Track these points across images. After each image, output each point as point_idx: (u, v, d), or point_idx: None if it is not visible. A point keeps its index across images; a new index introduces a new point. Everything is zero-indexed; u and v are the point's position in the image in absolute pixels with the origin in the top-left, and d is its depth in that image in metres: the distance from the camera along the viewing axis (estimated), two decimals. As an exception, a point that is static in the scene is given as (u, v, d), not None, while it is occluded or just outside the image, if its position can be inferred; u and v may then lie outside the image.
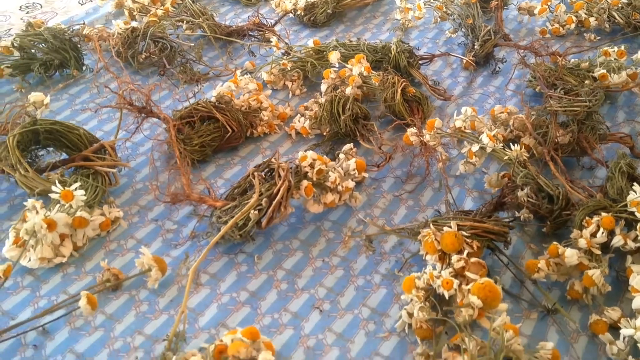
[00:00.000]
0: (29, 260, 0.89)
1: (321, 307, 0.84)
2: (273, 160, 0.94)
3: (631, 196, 0.86)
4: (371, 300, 0.85)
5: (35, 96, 1.10)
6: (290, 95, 1.29)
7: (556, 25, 1.47)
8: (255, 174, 0.91)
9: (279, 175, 0.91)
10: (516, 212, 0.93)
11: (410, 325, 0.80)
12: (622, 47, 1.26)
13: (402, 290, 0.84)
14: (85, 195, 0.93)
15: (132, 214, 1.00)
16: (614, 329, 0.79)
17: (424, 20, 1.56)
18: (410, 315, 0.79)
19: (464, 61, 1.36)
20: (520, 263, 0.89)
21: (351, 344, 0.79)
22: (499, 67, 1.35)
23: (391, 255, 0.92)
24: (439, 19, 1.52)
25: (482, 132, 1.01)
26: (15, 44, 1.32)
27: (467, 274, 0.75)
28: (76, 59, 1.33)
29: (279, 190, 0.89)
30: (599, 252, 0.83)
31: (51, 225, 0.89)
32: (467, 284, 0.77)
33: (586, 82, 1.13)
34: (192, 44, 1.40)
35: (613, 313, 0.79)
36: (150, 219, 0.99)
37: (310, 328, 0.81)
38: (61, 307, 0.82)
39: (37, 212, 0.88)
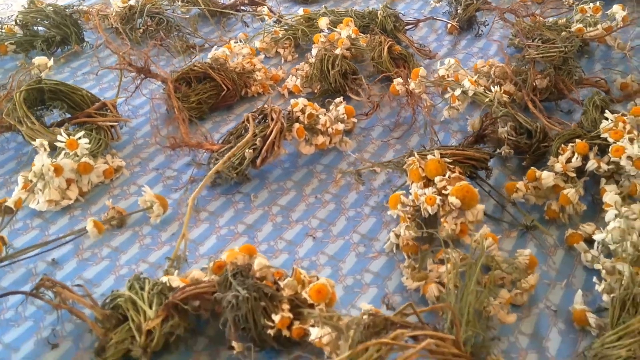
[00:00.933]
0: (38, 202, 0.94)
1: (314, 235, 0.89)
2: (266, 106, 1.00)
3: (604, 124, 0.91)
4: (361, 227, 0.90)
5: (39, 59, 1.16)
6: (283, 61, 1.35)
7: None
8: (249, 115, 0.96)
9: (272, 119, 0.96)
10: (497, 149, 0.99)
11: (397, 246, 0.85)
12: (598, 4, 1.32)
13: (390, 218, 0.89)
14: (89, 144, 0.98)
15: (133, 164, 1.05)
16: (589, 242, 0.83)
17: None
18: (398, 236, 0.84)
19: (449, 26, 1.42)
20: (502, 192, 0.94)
21: (342, 264, 0.84)
22: (481, 30, 1.41)
23: (380, 190, 0.97)
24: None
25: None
26: (18, 22, 1.38)
27: (448, 186, 0.80)
28: (77, 34, 1.39)
29: (272, 130, 0.95)
30: (574, 174, 0.89)
31: (58, 170, 0.94)
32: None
33: (562, 34, 1.19)
34: (187, 17, 1.47)
35: (588, 227, 0.84)
36: (151, 168, 1.04)
37: (304, 252, 0.87)
38: (69, 238, 0.87)
39: (45, 149, 0.94)
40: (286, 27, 1.38)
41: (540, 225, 0.86)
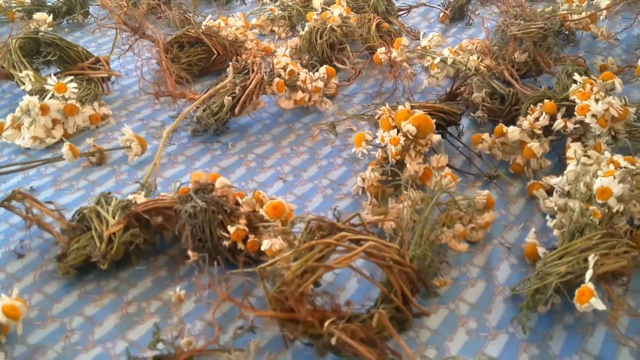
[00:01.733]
0: (23, 139, 0.98)
1: (285, 178, 0.92)
2: (248, 60, 1.03)
3: (573, 87, 0.93)
4: (331, 174, 0.93)
5: (39, 15, 1.21)
6: (277, 38, 1.39)
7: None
8: (231, 63, 1.00)
9: (253, 70, 1.00)
10: (472, 113, 1.01)
11: (363, 189, 0.87)
12: (584, -6, 1.35)
13: (362, 167, 0.92)
14: (77, 89, 1.02)
15: (120, 115, 1.09)
16: (550, 194, 0.85)
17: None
18: (364, 179, 0.86)
19: (441, 14, 1.46)
20: (472, 149, 0.96)
21: (309, 203, 0.87)
22: (472, 20, 1.44)
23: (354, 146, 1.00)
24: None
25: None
26: (26, -10, 1.44)
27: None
28: (82, 5, 1.45)
29: (252, 80, 0.98)
30: (540, 132, 0.91)
31: (44, 109, 0.98)
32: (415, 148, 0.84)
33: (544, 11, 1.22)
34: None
35: (549, 179, 0.86)
36: (137, 119, 1.08)
37: (273, 192, 0.89)
38: (45, 160, 0.91)
39: (30, 79, 0.98)
40: (282, 7, 1.43)
41: (503, 175, 0.88)
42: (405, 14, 1.46)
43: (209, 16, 1.37)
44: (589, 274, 0.59)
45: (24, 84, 1.05)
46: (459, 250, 0.74)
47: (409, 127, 0.78)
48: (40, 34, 1.11)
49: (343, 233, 0.62)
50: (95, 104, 1.06)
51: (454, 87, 0.97)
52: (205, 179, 0.75)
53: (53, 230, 0.76)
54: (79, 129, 1.03)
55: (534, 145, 0.87)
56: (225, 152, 0.98)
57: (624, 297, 0.66)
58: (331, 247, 0.61)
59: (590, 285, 0.58)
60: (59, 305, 0.70)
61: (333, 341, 0.58)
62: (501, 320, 0.67)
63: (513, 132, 0.89)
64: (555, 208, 0.76)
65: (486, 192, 0.79)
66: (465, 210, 0.77)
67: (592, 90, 0.91)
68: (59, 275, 0.73)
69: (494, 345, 0.64)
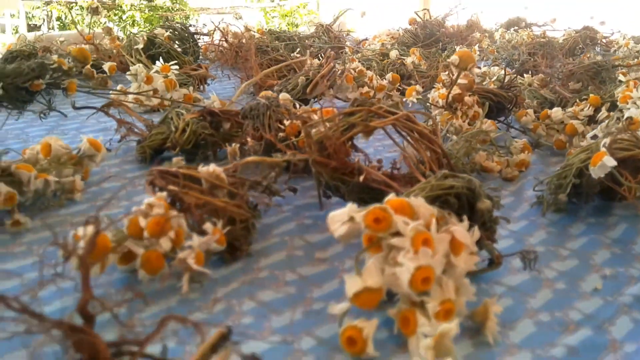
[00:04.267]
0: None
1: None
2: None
3: (619, 88, 1.01)
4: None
5: (159, 30, 1.45)
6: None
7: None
8: (330, 52, 1.15)
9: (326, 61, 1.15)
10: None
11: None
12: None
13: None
14: (177, 72, 1.21)
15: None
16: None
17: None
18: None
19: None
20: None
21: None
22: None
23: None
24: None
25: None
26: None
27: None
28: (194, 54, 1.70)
29: (325, 67, 1.13)
30: (583, 119, 0.97)
31: (149, 78, 1.16)
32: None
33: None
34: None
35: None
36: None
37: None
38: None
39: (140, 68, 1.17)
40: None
41: (544, 142, 0.94)
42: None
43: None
44: (603, 141, 0.64)
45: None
46: (489, 168, 0.79)
47: (452, 57, 0.88)
48: (157, 37, 1.34)
49: (380, 105, 0.71)
50: (191, 88, 1.24)
51: (505, 79, 1.06)
52: (271, 95, 0.87)
53: (140, 130, 0.89)
54: (173, 104, 1.20)
55: (576, 122, 0.93)
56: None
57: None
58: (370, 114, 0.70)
59: (604, 149, 0.63)
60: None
61: (361, 178, 0.64)
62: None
63: (557, 112, 0.96)
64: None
65: (523, 140, 0.85)
66: (500, 152, 0.83)
67: (635, 86, 0.98)
68: (136, 156, 0.84)
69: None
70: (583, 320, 0.48)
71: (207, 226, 0.53)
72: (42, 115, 0.93)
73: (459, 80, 0.90)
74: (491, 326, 0.45)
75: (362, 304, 0.44)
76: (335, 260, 0.58)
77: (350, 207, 0.46)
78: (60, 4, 4.79)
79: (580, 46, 1.79)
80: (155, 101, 1.16)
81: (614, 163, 0.61)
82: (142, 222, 0.51)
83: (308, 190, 0.75)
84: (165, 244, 0.50)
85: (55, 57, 0.90)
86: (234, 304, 0.50)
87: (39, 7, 5.24)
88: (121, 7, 4.84)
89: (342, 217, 0.46)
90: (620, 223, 0.68)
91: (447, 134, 0.89)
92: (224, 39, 1.73)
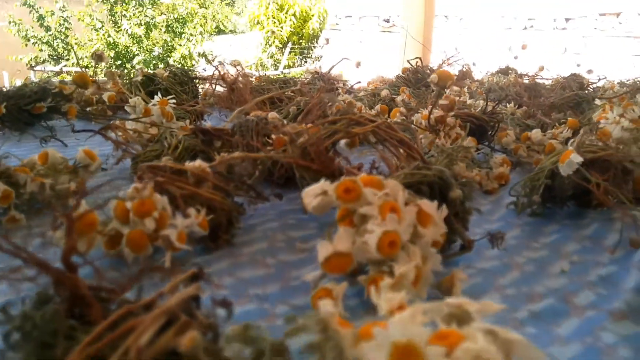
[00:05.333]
0: (125, 130, 1.19)
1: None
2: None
3: (596, 113, 1.05)
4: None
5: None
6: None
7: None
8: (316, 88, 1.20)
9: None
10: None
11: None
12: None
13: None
14: (175, 106, 1.26)
15: (205, 137, 1.30)
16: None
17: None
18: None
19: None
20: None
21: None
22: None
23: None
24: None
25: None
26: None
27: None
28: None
29: (316, 96, 1.17)
30: (562, 140, 1.01)
31: (147, 110, 1.21)
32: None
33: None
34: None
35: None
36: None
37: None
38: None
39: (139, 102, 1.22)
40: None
41: (524, 161, 0.97)
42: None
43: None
44: (570, 141, 0.67)
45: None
46: (467, 176, 0.82)
47: (432, 76, 0.92)
48: (158, 76, 1.40)
49: (362, 114, 0.75)
50: (187, 121, 1.28)
51: (486, 107, 1.11)
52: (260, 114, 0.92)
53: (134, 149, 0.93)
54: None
55: (555, 142, 0.97)
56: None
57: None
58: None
59: (571, 148, 0.66)
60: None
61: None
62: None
63: (536, 133, 1.00)
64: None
65: (503, 156, 0.89)
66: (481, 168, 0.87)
67: (611, 109, 1.02)
68: (130, 173, 0.88)
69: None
70: (548, 293, 0.50)
71: (191, 211, 0.55)
72: (43, 141, 0.97)
73: (440, 101, 0.94)
74: (456, 292, 0.47)
75: (333, 269, 0.46)
76: (315, 251, 0.61)
77: (323, 182, 0.49)
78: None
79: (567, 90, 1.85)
80: (153, 131, 1.21)
81: (580, 159, 0.65)
82: (128, 204, 0.54)
83: (294, 199, 0.78)
84: (149, 223, 0.53)
85: (56, 81, 0.95)
86: (213, 280, 0.52)
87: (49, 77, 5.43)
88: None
89: (315, 190, 0.49)
90: (594, 223, 0.70)
91: (432, 157, 0.92)
92: (221, 81, 1.80)
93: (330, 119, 0.74)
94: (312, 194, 0.49)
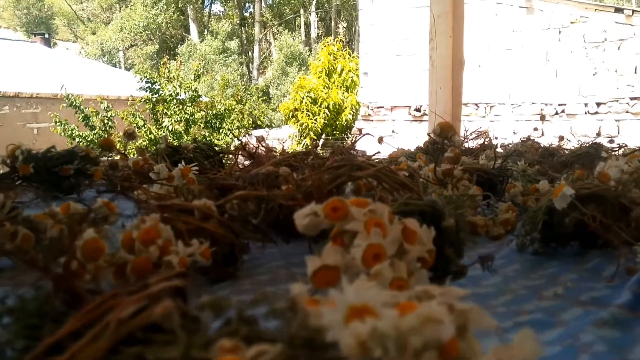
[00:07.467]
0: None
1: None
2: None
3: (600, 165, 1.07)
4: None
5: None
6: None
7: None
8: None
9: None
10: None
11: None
12: None
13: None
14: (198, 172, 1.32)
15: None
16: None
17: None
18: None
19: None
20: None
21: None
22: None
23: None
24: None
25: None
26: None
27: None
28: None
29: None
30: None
31: (170, 177, 1.27)
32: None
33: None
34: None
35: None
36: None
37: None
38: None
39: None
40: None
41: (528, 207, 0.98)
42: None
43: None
44: (564, 177, 0.69)
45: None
46: (475, 223, 0.83)
47: (434, 128, 0.95)
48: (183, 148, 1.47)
49: (363, 159, 0.78)
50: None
51: (495, 161, 1.13)
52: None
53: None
54: (191, 201, 1.29)
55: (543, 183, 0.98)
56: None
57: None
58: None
59: (564, 182, 0.68)
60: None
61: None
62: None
63: (544, 184, 1.01)
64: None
65: (509, 203, 0.91)
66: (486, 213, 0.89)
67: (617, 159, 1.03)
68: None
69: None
70: (536, 310, 0.51)
71: (194, 242, 0.59)
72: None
73: (446, 154, 0.97)
74: (443, 305, 0.48)
75: (320, 282, 0.48)
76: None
77: (314, 205, 0.52)
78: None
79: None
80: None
81: (572, 191, 0.66)
82: (134, 233, 0.57)
83: (300, 244, 0.81)
84: (153, 250, 0.56)
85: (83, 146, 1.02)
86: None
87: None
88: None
89: (306, 212, 0.52)
90: (595, 259, 0.70)
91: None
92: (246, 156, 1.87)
93: (334, 165, 0.78)
94: (303, 215, 0.52)
